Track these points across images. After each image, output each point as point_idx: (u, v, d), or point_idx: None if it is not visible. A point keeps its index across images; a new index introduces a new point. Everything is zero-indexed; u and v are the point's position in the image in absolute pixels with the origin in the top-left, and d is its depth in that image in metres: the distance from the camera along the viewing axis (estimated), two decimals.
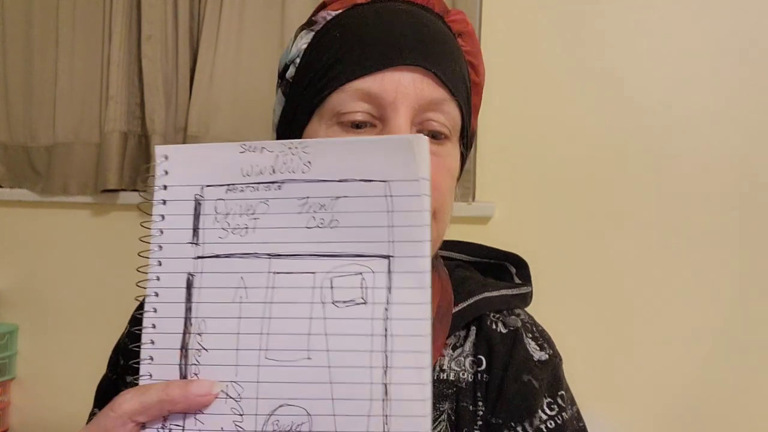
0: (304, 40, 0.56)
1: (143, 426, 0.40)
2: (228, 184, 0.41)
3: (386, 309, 0.39)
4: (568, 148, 1.46)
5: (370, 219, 0.39)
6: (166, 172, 0.42)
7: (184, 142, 1.55)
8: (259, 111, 1.55)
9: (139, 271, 0.42)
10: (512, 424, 0.54)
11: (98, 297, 1.60)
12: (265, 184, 0.41)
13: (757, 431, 1.40)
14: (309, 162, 0.40)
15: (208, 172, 0.42)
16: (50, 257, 1.67)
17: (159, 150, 0.43)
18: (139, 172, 1.61)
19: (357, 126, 0.51)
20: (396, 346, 0.38)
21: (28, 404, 1.68)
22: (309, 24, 0.57)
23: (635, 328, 1.44)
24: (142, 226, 0.43)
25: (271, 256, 0.40)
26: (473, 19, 1.45)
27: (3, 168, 1.69)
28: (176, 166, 0.42)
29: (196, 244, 0.41)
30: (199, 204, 0.42)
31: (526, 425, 0.54)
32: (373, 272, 0.39)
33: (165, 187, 0.42)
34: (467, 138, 0.55)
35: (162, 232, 0.42)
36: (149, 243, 0.42)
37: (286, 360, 0.39)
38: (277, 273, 0.40)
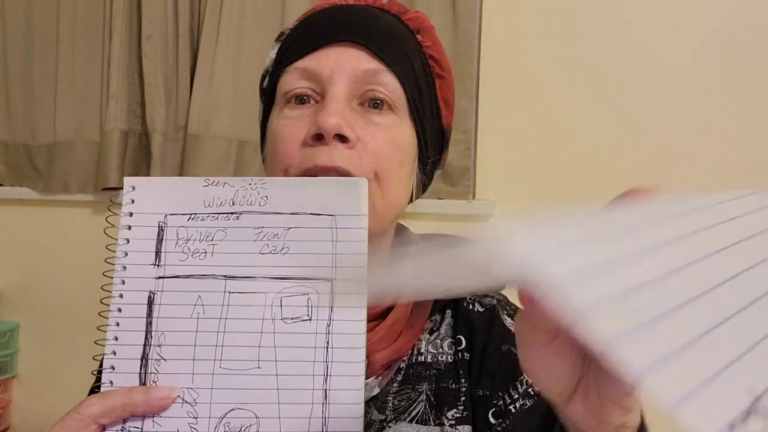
0: (274, 51, 0.61)
1: (104, 428, 0.43)
2: (190, 214, 0.46)
3: (328, 325, 0.44)
4: (568, 146, 1.46)
5: (316, 247, 0.45)
6: (133, 201, 0.47)
7: (184, 141, 1.56)
8: (259, 110, 1.55)
9: (104, 288, 0.46)
10: (499, 393, 0.57)
11: (98, 295, 1.60)
12: (225, 215, 0.46)
13: None
14: (266, 196, 0.46)
15: (172, 202, 0.46)
16: (51, 255, 1.68)
17: (127, 181, 0.47)
18: (139, 171, 1.62)
19: (300, 100, 0.55)
20: (336, 357, 0.44)
21: (30, 402, 1.69)
22: (278, 36, 0.62)
23: None
24: (105, 233, 0.47)
25: (227, 277, 0.45)
26: (473, 18, 1.46)
27: (4, 166, 1.70)
28: (142, 196, 0.47)
29: (158, 265, 0.46)
30: (162, 230, 0.46)
31: (512, 391, 0.57)
32: (318, 293, 0.45)
33: (131, 214, 0.47)
34: (419, 115, 0.58)
35: (126, 254, 0.46)
36: (114, 251, 0.46)
37: (238, 369, 0.44)
38: (232, 293, 0.45)
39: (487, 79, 1.48)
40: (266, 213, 0.46)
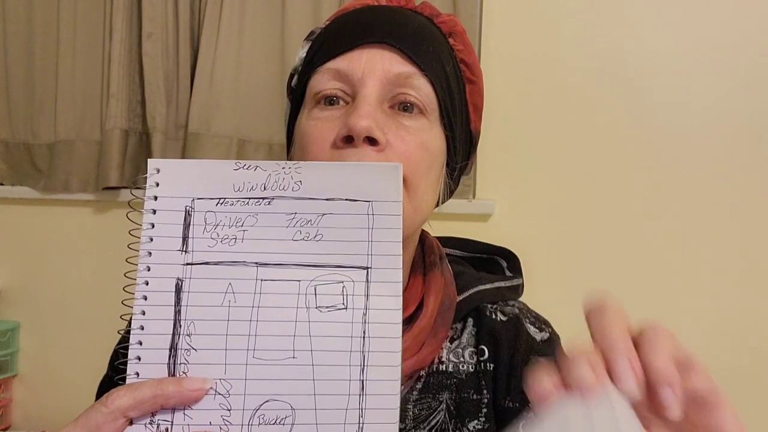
0: (303, 50, 0.60)
1: (131, 422, 0.41)
2: (219, 198, 0.44)
3: (364, 314, 0.43)
4: (567, 145, 1.46)
5: (352, 234, 0.44)
6: (157, 184, 0.44)
7: (185, 140, 1.56)
8: (260, 108, 1.55)
9: (126, 277, 0.43)
10: (530, 405, 0.55)
11: (99, 294, 1.60)
12: (256, 200, 0.44)
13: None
14: (300, 181, 0.44)
15: (199, 186, 0.44)
16: (51, 254, 1.68)
17: (151, 163, 0.45)
18: (140, 170, 1.62)
19: (330, 101, 0.54)
20: (372, 347, 0.43)
21: (30, 401, 1.69)
22: (309, 35, 0.61)
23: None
24: (130, 234, 0.44)
25: (258, 264, 0.43)
26: (473, 18, 1.46)
27: (4, 165, 1.69)
28: (167, 179, 0.45)
29: (186, 251, 0.44)
30: (189, 215, 0.44)
31: None
32: (353, 281, 0.43)
33: (155, 198, 0.44)
34: (450, 120, 0.57)
35: (152, 240, 0.44)
36: (137, 250, 0.44)
37: (272, 359, 0.42)
38: (264, 280, 0.43)
39: (487, 78, 1.47)
40: (299, 198, 0.44)
